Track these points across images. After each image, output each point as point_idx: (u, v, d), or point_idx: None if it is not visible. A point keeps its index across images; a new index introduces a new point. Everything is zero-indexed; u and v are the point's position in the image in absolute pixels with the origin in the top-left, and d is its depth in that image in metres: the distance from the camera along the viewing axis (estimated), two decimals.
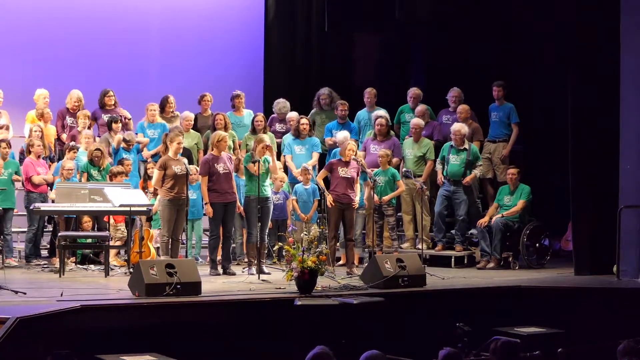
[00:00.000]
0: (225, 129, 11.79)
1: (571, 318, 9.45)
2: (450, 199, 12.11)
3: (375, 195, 11.52)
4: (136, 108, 12.73)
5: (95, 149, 11.60)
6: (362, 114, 13.08)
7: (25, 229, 11.68)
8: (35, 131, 11.80)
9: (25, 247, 11.68)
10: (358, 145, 12.17)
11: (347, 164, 11.06)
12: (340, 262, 11.55)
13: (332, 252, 10.86)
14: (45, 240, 12.09)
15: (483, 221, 11.78)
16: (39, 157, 11.64)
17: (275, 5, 15.11)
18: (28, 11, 13.55)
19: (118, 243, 11.51)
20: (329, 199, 10.94)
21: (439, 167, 12.21)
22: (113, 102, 12.59)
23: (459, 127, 12.07)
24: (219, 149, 10.75)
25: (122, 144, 12.01)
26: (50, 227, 12.09)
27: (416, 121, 12.46)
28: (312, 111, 13.24)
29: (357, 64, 15.43)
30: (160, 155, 11.55)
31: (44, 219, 11.65)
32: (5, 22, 13.44)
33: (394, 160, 12.09)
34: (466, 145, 12.05)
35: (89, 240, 11.56)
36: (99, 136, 12.38)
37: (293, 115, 12.82)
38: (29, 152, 11.61)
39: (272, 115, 13.21)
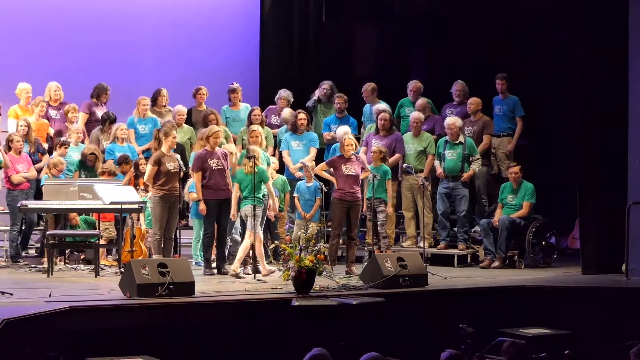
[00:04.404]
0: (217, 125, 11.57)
1: (578, 319, 9.37)
2: (451, 195, 11.95)
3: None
4: (128, 102, 12.60)
5: (90, 153, 11.52)
6: (368, 108, 12.88)
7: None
8: (22, 126, 11.63)
9: (9, 247, 11.53)
10: (359, 140, 11.94)
11: (348, 160, 10.84)
12: None
13: (333, 251, 10.77)
14: (34, 239, 11.98)
15: (493, 222, 11.63)
16: (19, 152, 11.45)
17: None
18: (16, 1, 13.39)
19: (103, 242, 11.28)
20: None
21: (436, 162, 12.01)
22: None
23: (453, 121, 11.92)
24: (211, 144, 10.59)
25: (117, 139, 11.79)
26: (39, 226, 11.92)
27: (416, 115, 12.29)
28: (311, 100, 12.97)
29: (355, 56, 15.35)
30: (151, 151, 11.39)
31: (28, 217, 11.44)
32: None
33: (396, 156, 11.84)
34: (461, 139, 11.88)
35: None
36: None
37: (286, 113, 12.57)
38: (9, 148, 11.43)
39: (268, 108, 13.07)
